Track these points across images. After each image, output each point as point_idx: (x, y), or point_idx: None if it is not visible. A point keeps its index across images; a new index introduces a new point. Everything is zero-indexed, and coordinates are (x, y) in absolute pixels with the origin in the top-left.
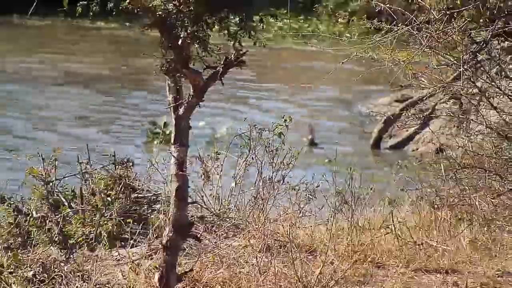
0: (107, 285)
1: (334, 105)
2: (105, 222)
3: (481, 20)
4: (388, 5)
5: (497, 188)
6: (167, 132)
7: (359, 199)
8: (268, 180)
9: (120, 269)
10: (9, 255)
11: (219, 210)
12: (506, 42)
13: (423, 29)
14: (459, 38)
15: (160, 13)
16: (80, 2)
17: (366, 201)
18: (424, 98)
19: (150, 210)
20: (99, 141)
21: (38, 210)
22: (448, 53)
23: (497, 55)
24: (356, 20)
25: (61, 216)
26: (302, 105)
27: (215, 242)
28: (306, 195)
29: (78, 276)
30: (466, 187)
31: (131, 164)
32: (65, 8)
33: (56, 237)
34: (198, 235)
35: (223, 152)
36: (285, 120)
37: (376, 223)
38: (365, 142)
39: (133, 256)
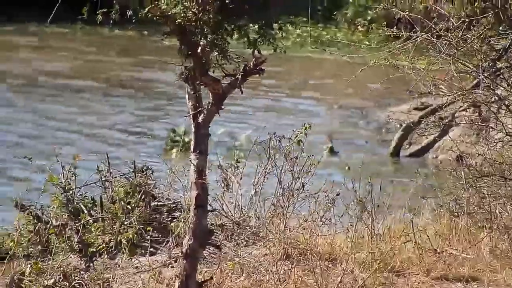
0: None
1: (353, 113)
2: (125, 230)
3: (500, 28)
4: (407, 13)
5: None
6: (187, 140)
7: (379, 207)
8: (288, 188)
9: (140, 277)
10: (30, 263)
11: (239, 218)
12: None
13: (443, 37)
14: (478, 45)
15: (179, 21)
16: (100, 10)
17: (386, 209)
18: (444, 106)
19: (170, 218)
20: (118, 149)
21: (58, 218)
22: (468, 61)
23: None
24: (375, 28)
25: (81, 224)
26: (321, 112)
27: (235, 250)
28: (326, 203)
29: (98, 284)
30: (486, 195)
31: (151, 172)
32: (84, 16)
33: (76, 245)
34: (218, 243)
35: (242, 160)
36: (305, 128)
37: (396, 231)
38: (384, 150)
39: (153, 264)
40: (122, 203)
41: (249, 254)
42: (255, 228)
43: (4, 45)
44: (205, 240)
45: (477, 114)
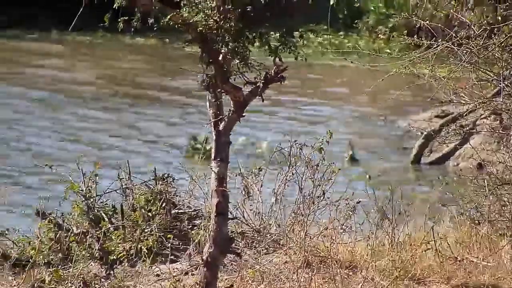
0: None
1: (374, 121)
2: (146, 237)
3: None
4: (428, 21)
5: None
6: (208, 147)
7: (399, 214)
8: (309, 195)
9: (161, 285)
10: (50, 271)
11: (259, 226)
12: None
13: (464, 45)
14: (499, 53)
15: (200, 29)
16: (121, 18)
17: (407, 217)
18: (465, 114)
19: (190, 226)
20: (139, 156)
21: (78, 226)
22: (489, 69)
23: None
24: (396, 36)
25: (101, 231)
26: (342, 120)
27: (256, 258)
28: (346, 210)
29: None
30: (507, 203)
31: (171, 179)
32: (106, 24)
33: (96, 253)
34: (239, 251)
35: (263, 168)
36: (326, 136)
37: (417, 239)
38: (405, 158)
39: (174, 271)
40: (143, 210)
41: (269, 261)
42: (275, 235)
43: (30, 52)
44: (225, 248)
45: (498, 122)
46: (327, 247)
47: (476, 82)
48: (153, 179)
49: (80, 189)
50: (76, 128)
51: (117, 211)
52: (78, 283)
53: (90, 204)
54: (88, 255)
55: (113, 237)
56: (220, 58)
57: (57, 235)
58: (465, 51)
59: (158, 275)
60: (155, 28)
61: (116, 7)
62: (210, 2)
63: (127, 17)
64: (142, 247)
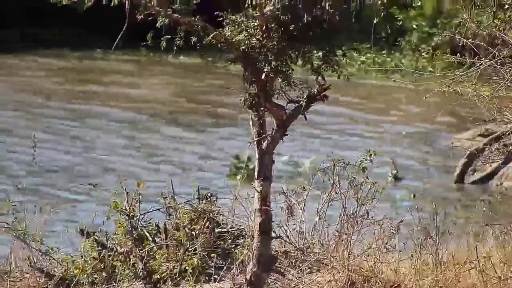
0: None
1: (418, 139)
2: (190, 257)
3: None
4: (471, 40)
5: None
6: (251, 166)
7: (443, 234)
8: (352, 214)
9: None
10: None
11: (303, 245)
12: None
13: (507, 64)
14: None
15: (243, 47)
16: (164, 37)
17: (450, 236)
18: (508, 133)
19: (234, 245)
20: (182, 174)
21: (122, 245)
22: None
23: None
24: (439, 55)
25: (145, 251)
26: (385, 139)
27: (299, 277)
28: (390, 230)
29: None
30: None
31: (215, 198)
32: (149, 43)
33: (140, 272)
34: (282, 270)
35: (307, 187)
36: (370, 155)
37: (460, 258)
38: (449, 177)
39: None
40: (187, 229)
41: (313, 281)
42: (319, 255)
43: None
44: (269, 267)
45: None
46: (371, 266)
47: None
48: (196, 198)
49: (124, 208)
50: (118, 146)
51: (160, 230)
52: None
53: (134, 223)
54: (132, 274)
55: (156, 256)
56: (263, 77)
57: (101, 254)
58: (508, 70)
59: None
60: (197, 47)
61: (159, 26)
62: (253, 21)
63: (170, 36)
64: (186, 267)
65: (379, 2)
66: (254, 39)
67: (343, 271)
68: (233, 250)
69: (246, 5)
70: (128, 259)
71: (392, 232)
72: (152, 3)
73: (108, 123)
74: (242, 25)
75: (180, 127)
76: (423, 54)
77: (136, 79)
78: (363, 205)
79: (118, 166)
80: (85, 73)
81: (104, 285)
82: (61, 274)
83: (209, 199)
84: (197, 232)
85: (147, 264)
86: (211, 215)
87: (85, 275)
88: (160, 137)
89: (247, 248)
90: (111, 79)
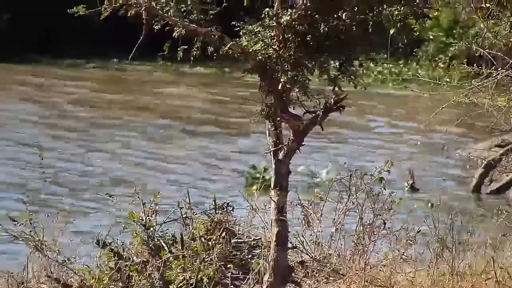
0: None
1: (434, 149)
2: (206, 267)
3: None
4: (488, 50)
5: None
6: (267, 176)
7: (460, 244)
8: (369, 225)
9: None
10: None
11: (319, 255)
12: None
13: None
14: None
15: (260, 57)
16: (181, 47)
17: (467, 246)
18: None
19: (250, 255)
20: (198, 184)
21: (139, 255)
22: None
23: None
24: (456, 65)
25: (161, 261)
26: (402, 149)
27: (315, 287)
28: (406, 240)
29: None
30: None
31: (231, 209)
32: (166, 53)
33: (157, 282)
34: (298, 280)
35: (323, 197)
36: (386, 165)
37: (477, 268)
38: (466, 187)
39: None
40: (203, 240)
41: None
42: (335, 265)
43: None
44: (285, 277)
45: None
46: (387, 276)
47: None
48: (212, 208)
49: (140, 218)
50: (134, 156)
51: (177, 240)
52: None
53: (150, 233)
54: (148, 284)
55: (173, 267)
56: (280, 87)
57: (117, 265)
58: None
59: None
60: (214, 57)
61: (176, 36)
62: (269, 31)
63: (186, 46)
64: (202, 277)
65: (396, 12)
66: (271, 49)
67: (359, 281)
68: (249, 260)
69: (263, 15)
70: (144, 269)
71: (409, 243)
72: (169, 13)
73: (123, 132)
74: (259, 35)
75: (198, 136)
76: (439, 64)
77: (151, 89)
78: (380, 215)
79: (130, 176)
80: (104, 83)
81: None
82: (77, 284)
83: (225, 209)
84: (213, 242)
85: (164, 274)
86: (227, 225)
87: (102, 285)
88: (177, 147)
89: (264, 258)
90: (125, 87)
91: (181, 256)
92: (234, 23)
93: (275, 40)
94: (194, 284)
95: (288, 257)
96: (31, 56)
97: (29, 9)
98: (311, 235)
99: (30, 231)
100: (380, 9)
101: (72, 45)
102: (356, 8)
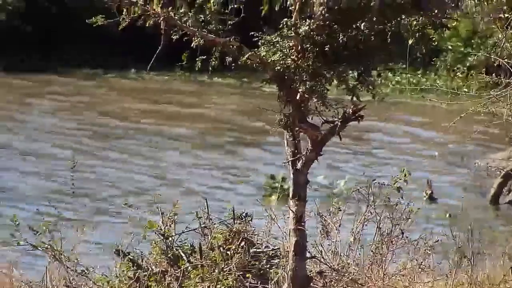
0: None
1: (452, 159)
2: (225, 277)
3: None
4: (506, 60)
5: None
6: (285, 186)
7: (478, 253)
8: (387, 234)
9: None
10: None
11: (337, 265)
12: None
13: None
14: None
15: (278, 68)
16: (199, 57)
17: (485, 256)
18: None
19: (269, 265)
20: (217, 195)
21: (157, 265)
22: None
23: None
24: (475, 75)
25: (180, 271)
26: (420, 159)
27: None
28: (425, 250)
29: None
30: None
31: (249, 218)
32: (184, 63)
33: None
34: None
35: (341, 207)
36: (404, 175)
37: (496, 278)
38: (484, 197)
39: None
40: (221, 249)
41: None
42: (354, 274)
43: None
44: (303, 287)
45: None
46: (406, 286)
47: None
48: (231, 218)
49: (159, 228)
50: (155, 166)
51: (195, 250)
52: None
53: (169, 243)
54: None
55: (191, 276)
56: (298, 97)
57: (136, 274)
58: None
59: None
60: (232, 68)
61: (194, 46)
62: (288, 42)
63: (205, 56)
64: (221, 287)
65: (415, 22)
66: (289, 59)
67: None
68: (268, 270)
69: (281, 25)
70: (163, 279)
71: (427, 252)
72: (188, 23)
73: (138, 141)
74: (277, 45)
75: (216, 146)
76: (458, 74)
77: (167, 99)
78: (398, 225)
79: (148, 186)
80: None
81: None
82: None
83: (243, 219)
84: (232, 252)
85: (182, 284)
86: (246, 235)
87: None
88: (196, 156)
89: (282, 268)
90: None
91: (199, 266)
92: (252, 33)
93: (293, 50)
94: None
95: (307, 267)
96: (44, 65)
97: (46, 20)
98: (329, 245)
99: (49, 241)
100: (399, 19)
101: (90, 55)
102: (374, 18)
